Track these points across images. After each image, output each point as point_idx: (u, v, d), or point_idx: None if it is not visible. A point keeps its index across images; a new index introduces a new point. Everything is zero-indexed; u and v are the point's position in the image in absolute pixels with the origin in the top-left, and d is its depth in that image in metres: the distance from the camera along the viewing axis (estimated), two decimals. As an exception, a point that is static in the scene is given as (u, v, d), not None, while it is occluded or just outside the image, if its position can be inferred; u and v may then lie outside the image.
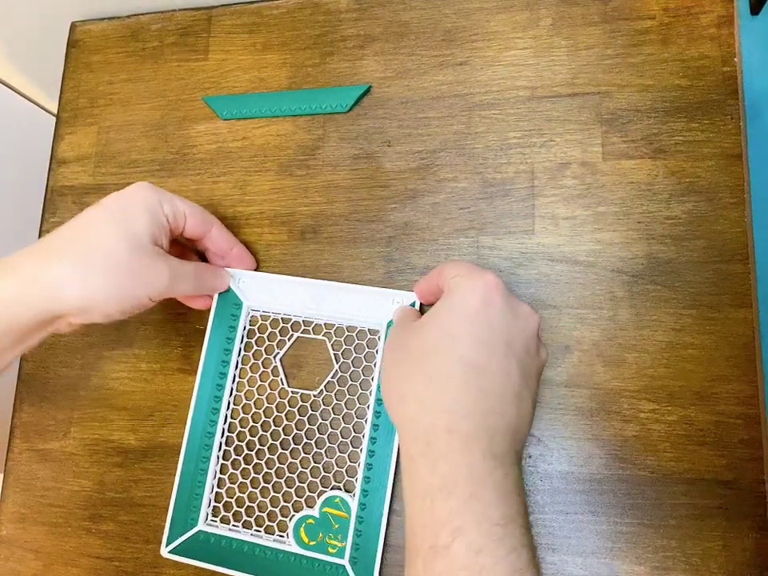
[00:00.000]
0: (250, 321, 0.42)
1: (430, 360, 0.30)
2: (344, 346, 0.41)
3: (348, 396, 0.40)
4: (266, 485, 0.40)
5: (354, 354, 0.40)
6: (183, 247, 0.42)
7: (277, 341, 0.42)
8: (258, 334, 0.42)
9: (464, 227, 0.41)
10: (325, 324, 0.41)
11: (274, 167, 0.45)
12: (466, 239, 0.41)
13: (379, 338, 0.40)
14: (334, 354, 0.41)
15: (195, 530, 0.39)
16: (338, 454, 0.39)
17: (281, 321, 0.42)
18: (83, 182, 0.48)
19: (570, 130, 0.41)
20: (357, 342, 0.40)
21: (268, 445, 0.40)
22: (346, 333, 0.41)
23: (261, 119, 0.46)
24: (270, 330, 0.42)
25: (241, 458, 0.40)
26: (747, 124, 0.38)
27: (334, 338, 0.41)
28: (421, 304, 0.39)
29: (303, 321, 0.41)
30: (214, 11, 0.49)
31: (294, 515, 0.38)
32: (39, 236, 0.48)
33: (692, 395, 0.36)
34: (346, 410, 0.40)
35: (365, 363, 0.40)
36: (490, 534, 0.25)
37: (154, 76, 0.49)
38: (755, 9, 0.39)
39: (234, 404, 0.41)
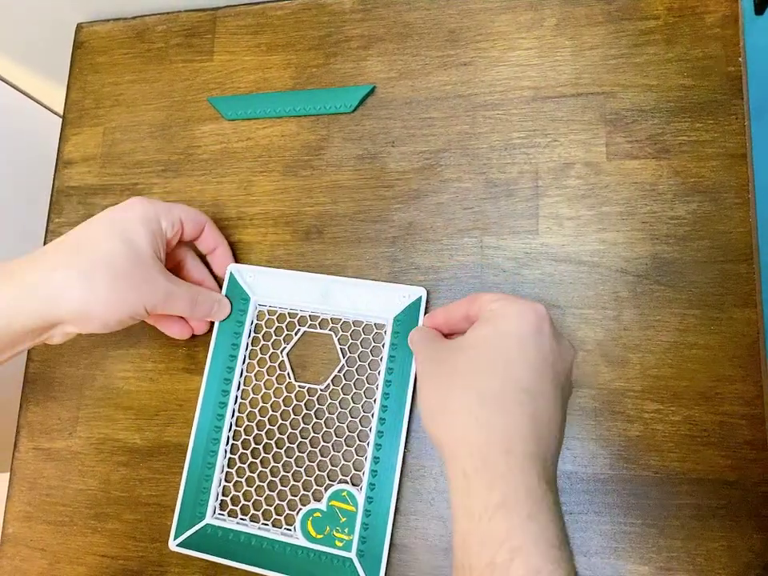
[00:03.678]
0: (257, 315, 0.42)
1: (483, 379, 0.30)
2: (350, 341, 0.41)
3: (355, 390, 0.40)
4: (273, 478, 0.40)
5: (361, 349, 0.40)
6: (179, 251, 0.42)
7: (284, 335, 0.42)
8: (265, 329, 0.42)
9: (468, 227, 0.41)
10: (331, 318, 0.41)
11: (279, 167, 0.45)
12: (470, 239, 0.41)
13: (386, 332, 0.40)
14: (341, 348, 0.41)
15: (203, 523, 0.39)
16: (345, 447, 0.39)
17: (288, 315, 0.42)
18: (89, 182, 0.49)
19: (574, 130, 0.41)
20: (363, 336, 0.41)
21: (275, 439, 0.40)
22: (353, 327, 0.41)
23: (265, 120, 0.46)
24: (277, 324, 0.42)
25: (248, 452, 0.40)
26: (752, 124, 0.38)
27: (341, 333, 0.41)
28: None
29: (310, 315, 0.42)
30: (219, 12, 0.49)
31: (301, 509, 0.39)
32: (45, 236, 0.49)
33: (696, 395, 0.36)
34: (352, 404, 0.40)
35: (371, 357, 0.40)
36: (548, 556, 0.25)
37: (159, 77, 0.49)
38: (760, 9, 0.39)
39: (242, 398, 0.41)
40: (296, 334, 0.42)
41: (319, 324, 0.42)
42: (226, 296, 0.42)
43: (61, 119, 0.51)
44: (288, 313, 0.42)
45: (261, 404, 0.41)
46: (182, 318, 0.42)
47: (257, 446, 0.40)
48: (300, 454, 0.40)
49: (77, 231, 0.36)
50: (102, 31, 0.52)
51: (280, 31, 0.48)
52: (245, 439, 0.41)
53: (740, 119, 0.38)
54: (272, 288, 0.42)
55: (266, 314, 0.42)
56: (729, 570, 0.34)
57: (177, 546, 0.39)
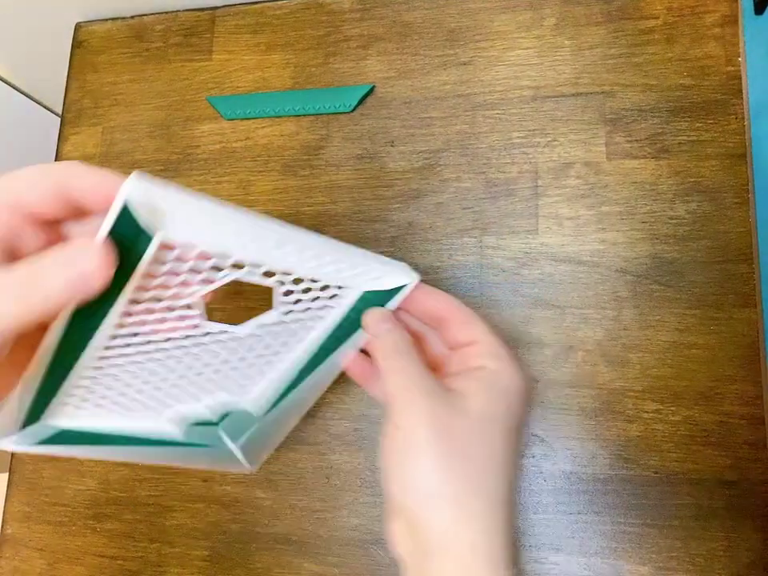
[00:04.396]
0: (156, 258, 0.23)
1: (495, 480, 0.27)
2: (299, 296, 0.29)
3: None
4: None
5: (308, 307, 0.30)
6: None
7: (201, 278, 0.26)
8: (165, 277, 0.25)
9: (467, 227, 0.41)
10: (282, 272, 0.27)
11: (278, 167, 0.45)
12: (470, 239, 0.41)
13: (345, 302, 0.30)
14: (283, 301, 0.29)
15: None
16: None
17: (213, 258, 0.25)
18: (88, 182, 0.49)
19: (574, 130, 0.41)
20: (318, 295, 0.29)
21: None
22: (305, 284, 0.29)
23: (264, 119, 0.46)
24: (191, 265, 0.25)
25: None
26: (751, 124, 0.38)
27: (288, 287, 0.28)
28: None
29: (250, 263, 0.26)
30: (218, 12, 0.49)
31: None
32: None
33: (696, 395, 0.36)
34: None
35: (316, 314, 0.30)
36: None
37: (158, 76, 0.49)
38: (759, 8, 0.39)
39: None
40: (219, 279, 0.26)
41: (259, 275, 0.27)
42: (109, 237, 0.22)
43: (60, 118, 0.51)
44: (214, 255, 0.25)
45: None
46: None
47: None
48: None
49: None
50: (100, 31, 0.52)
51: (279, 31, 0.48)
52: None
53: (739, 119, 0.38)
54: (200, 226, 0.24)
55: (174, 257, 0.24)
56: (729, 570, 0.34)
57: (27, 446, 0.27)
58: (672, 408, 0.36)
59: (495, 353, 0.29)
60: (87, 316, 0.24)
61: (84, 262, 0.21)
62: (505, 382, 0.28)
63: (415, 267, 0.41)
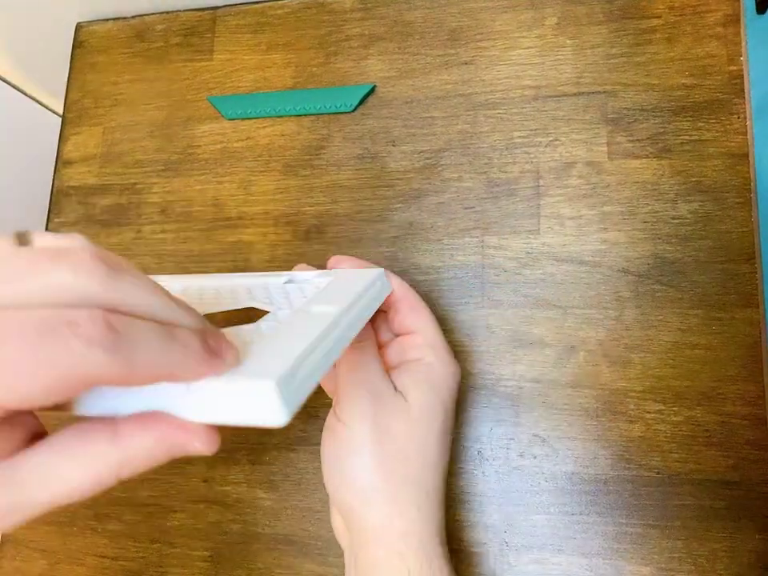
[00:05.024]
0: None
1: (430, 473, 0.30)
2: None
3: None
4: None
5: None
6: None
7: None
8: None
9: (469, 227, 0.41)
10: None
11: (279, 167, 0.45)
12: (471, 239, 0.41)
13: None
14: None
15: None
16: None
17: None
18: (88, 182, 0.49)
19: (576, 130, 0.40)
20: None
21: None
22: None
23: (265, 119, 0.46)
24: None
25: None
26: (754, 123, 0.38)
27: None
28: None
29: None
30: (219, 11, 0.49)
31: None
32: (45, 236, 0.49)
33: (698, 396, 0.36)
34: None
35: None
36: None
37: (159, 76, 0.49)
38: (761, 7, 0.39)
39: None
40: None
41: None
42: None
43: (60, 119, 0.51)
44: None
45: None
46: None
47: None
48: None
49: None
50: (101, 31, 0.52)
51: (280, 30, 0.47)
52: None
53: (742, 118, 0.38)
54: None
55: None
56: (731, 571, 0.34)
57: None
58: (674, 408, 0.36)
59: (432, 344, 0.31)
60: None
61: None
62: (438, 375, 0.31)
63: (416, 267, 0.41)
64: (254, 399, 0.19)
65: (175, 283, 0.32)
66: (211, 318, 0.24)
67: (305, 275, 0.33)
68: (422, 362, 0.31)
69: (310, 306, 0.27)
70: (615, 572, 0.35)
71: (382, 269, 0.32)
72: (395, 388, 0.30)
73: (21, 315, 0.16)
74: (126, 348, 0.16)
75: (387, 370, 0.31)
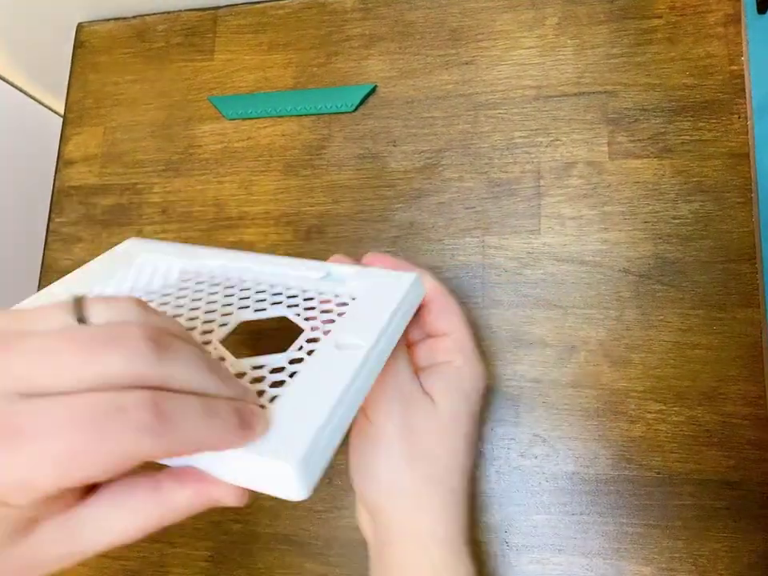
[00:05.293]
0: None
1: (456, 476, 0.30)
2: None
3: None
4: None
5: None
6: None
7: None
8: None
9: (470, 227, 0.41)
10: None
11: (280, 167, 0.45)
12: (472, 239, 0.41)
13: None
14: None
15: None
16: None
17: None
18: (89, 182, 0.49)
19: (576, 130, 0.40)
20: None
21: None
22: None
23: (266, 119, 0.46)
24: None
25: None
26: (755, 123, 0.38)
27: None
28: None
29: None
30: (220, 11, 0.49)
31: None
32: (46, 236, 0.49)
33: (699, 396, 0.36)
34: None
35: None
36: None
37: (160, 76, 0.49)
38: (762, 7, 0.39)
39: None
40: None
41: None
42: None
43: (61, 119, 0.51)
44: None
45: None
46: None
47: None
48: None
49: None
50: (102, 31, 0.52)
51: (281, 30, 0.47)
52: None
53: (742, 118, 0.38)
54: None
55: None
56: (731, 571, 0.34)
57: None
58: (675, 408, 0.36)
59: (462, 348, 0.31)
60: None
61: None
62: (467, 380, 0.31)
63: (417, 267, 0.41)
64: (275, 477, 0.20)
65: (215, 262, 0.33)
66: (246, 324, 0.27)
67: (341, 271, 0.32)
68: (452, 366, 0.31)
69: (341, 335, 0.26)
70: (616, 572, 0.35)
71: (416, 274, 0.30)
72: (423, 389, 0.30)
73: (74, 402, 0.17)
74: (172, 431, 0.18)
75: (415, 370, 0.31)
